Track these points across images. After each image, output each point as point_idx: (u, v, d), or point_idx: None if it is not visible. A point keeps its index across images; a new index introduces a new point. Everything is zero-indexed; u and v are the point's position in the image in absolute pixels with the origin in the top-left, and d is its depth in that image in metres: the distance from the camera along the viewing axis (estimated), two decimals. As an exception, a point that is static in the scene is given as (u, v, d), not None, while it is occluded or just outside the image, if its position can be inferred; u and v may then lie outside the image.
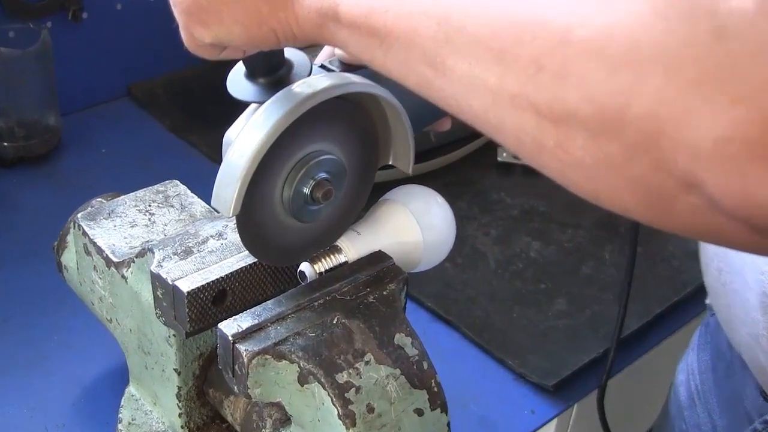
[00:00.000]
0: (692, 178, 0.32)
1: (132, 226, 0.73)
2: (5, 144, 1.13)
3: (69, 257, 0.80)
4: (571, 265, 1.03)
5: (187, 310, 0.61)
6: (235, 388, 0.58)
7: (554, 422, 0.89)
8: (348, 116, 0.59)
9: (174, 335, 0.66)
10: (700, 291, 0.89)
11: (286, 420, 0.63)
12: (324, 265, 0.63)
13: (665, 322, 0.99)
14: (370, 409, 0.57)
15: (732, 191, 0.32)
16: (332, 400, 0.56)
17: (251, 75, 0.59)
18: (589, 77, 0.34)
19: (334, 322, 0.59)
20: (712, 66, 0.31)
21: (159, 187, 0.78)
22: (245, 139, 0.53)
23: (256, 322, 0.58)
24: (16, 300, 0.93)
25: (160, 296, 0.63)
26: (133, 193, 0.77)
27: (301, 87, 0.54)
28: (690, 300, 1.00)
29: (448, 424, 0.61)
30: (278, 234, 0.60)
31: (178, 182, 0.78)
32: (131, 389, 0.77)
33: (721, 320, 0.75)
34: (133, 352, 0.73)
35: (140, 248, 0.68)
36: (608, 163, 0.35)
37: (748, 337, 0.68)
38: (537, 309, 0.96)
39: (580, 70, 0.34)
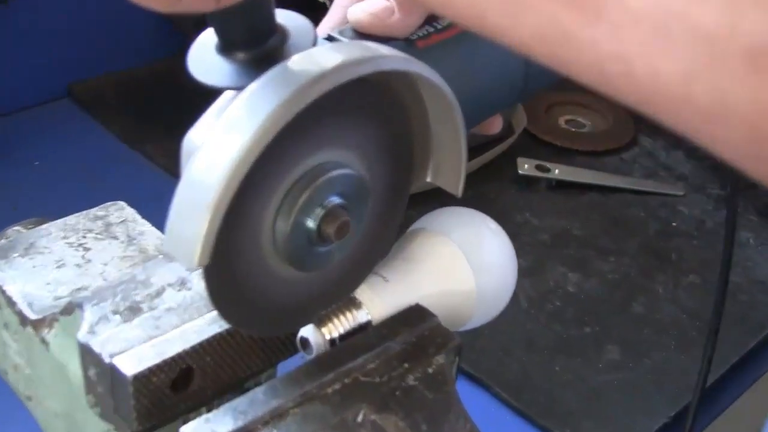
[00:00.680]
0: None
1: (58, 267, 0.60)
2: None
3: (-28, 308, 0.67)
4: (618, 302, 0.98)
5: (133, 401, 0.47)
6: None
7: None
8: (373, 110, 0.46)
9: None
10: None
11: None
12: (337, 328, 0.49)
13: (744, 371, 0.95)
14: None
15: None
16: None
17: (226, 47, 0.45)
18: None
19: (359, 420, 0.46)
20: None
21: (98, 211, 0.65)
22: (217, 146, 0.39)
23: (240, 425, 0.43)
24: None
25: (93, 378, 0.49)
26: (62, 220, 0.64)
27: (303, 64, 0.41)
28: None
29: None
30: (268, 290, 0.47)
31: (125, 204, 0.66)
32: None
33: None
34: (59, 443, 0.61)
35: (68, 300, 0.55)
36: None
37: None
38: (584, 359, 0.91)
39: None
